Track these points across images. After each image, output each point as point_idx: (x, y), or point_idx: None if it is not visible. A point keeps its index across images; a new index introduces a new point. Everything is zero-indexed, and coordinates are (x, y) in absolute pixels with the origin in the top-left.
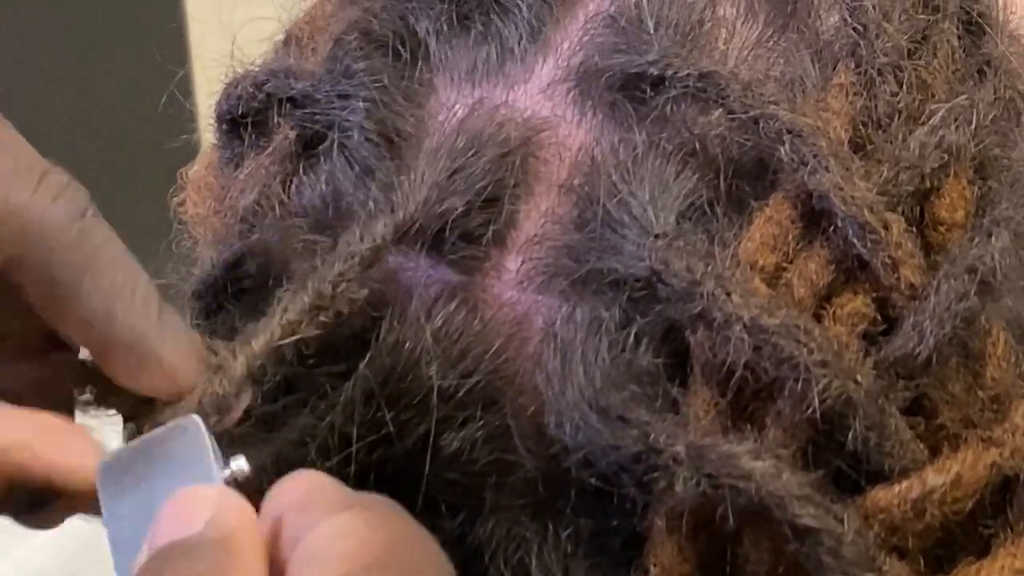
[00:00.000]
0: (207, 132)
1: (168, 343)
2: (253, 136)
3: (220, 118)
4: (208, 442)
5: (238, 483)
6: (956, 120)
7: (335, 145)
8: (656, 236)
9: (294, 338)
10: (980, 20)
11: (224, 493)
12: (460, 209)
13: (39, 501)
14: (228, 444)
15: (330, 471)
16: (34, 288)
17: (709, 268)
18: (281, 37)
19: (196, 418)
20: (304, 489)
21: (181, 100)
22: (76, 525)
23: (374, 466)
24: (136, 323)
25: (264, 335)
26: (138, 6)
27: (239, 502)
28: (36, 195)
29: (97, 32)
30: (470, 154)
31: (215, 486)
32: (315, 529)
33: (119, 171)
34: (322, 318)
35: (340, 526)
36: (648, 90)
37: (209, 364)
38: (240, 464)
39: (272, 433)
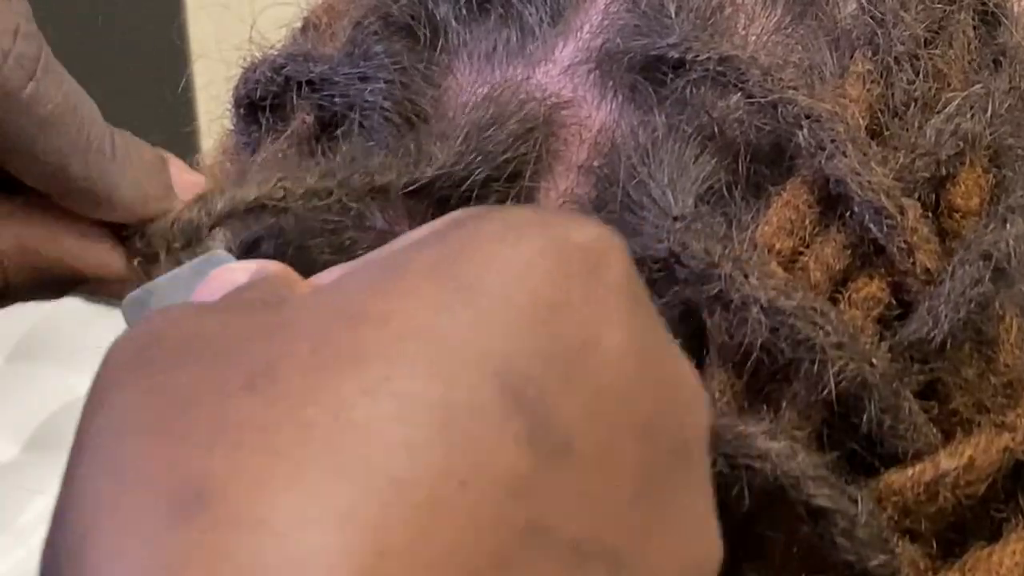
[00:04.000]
0: (207, 130)
1: (127, 179)
2: (271, 120)
3: (238, 102)
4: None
5: None
6: (972, 109)
7: (354, 126)
8: (675, 218)
9: (281, 205)
10: (996, 11)
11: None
12: (481, 181)
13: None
14: None
15: None
16: None
17: (727, 251)
18: (298, 24)
19: (226, 253)
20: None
21: (181, 98)
22: None
23: None
24: (91, 171)
25: (257, 184)
26: (138, 4)
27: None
28: None
29: (97, 31)
30: (494, 126)
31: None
32: None
33: None
34: (314, 202)
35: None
36: (668, 73)
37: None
38: None
39: None
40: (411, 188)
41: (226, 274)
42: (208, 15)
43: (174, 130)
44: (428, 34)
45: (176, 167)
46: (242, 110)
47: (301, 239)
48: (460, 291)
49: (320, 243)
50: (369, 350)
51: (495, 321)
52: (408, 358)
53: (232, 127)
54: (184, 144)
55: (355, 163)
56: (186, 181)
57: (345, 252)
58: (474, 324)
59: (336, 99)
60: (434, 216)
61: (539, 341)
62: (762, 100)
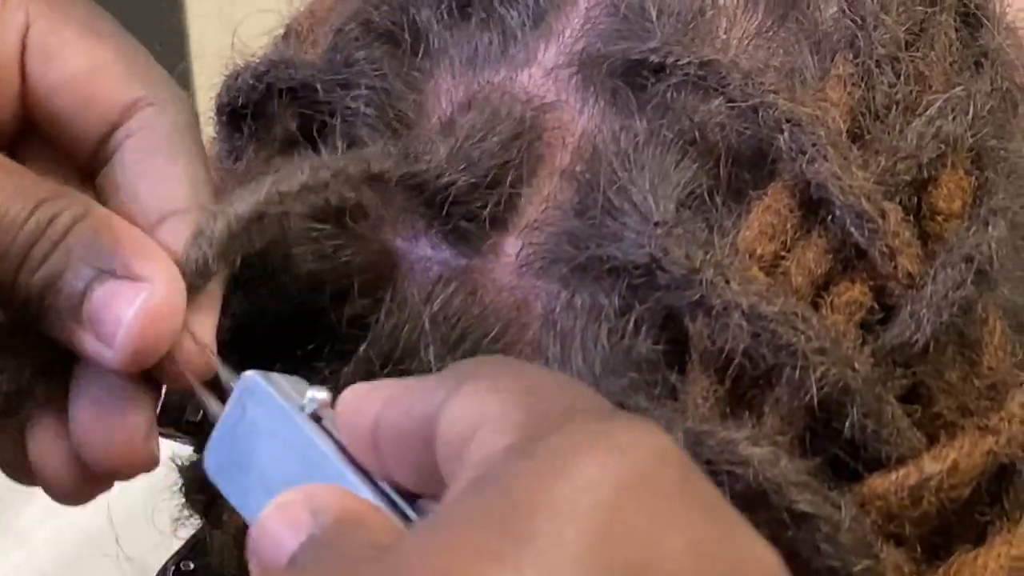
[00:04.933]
0: (207, 128)
1: None
2: (253, 128)
3: (220, 110)
4: (276, 396)
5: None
6: (953, 111)
7: (336, 133)
8: (656, 224)
9: (279, 209)
10: (977, 12)
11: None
12: (466, 187)
13: None
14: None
15: None
16: None
17: (708, 256)
18: (281, 31)
19: (251, 375)
20: (380, 396)
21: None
22: (76, 526)
23: None
24: None
25: (249, 199)
26: (138, 3)
27: (326, 488)
28: None
29: None
30: (484, 132)
31: (290, 492)
32: (443, 418)
33: None
34: (311, 198)
35: (467, 402)
36: (649, 77)
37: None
38: (315, 396)
39: None
40: (406, 180)
41: (283, 529)
42: (208, 16)
43: None
44: (409, 39)
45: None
46: (224, 118)
47: (287, 247)
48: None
49: (304, 251)
50: None
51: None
52: None
53: (215, 135)
54: None
55: (349, 153)
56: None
57: (329, 260)
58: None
59: (318, 106)
60: (415, 221)
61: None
62: (743, 104)
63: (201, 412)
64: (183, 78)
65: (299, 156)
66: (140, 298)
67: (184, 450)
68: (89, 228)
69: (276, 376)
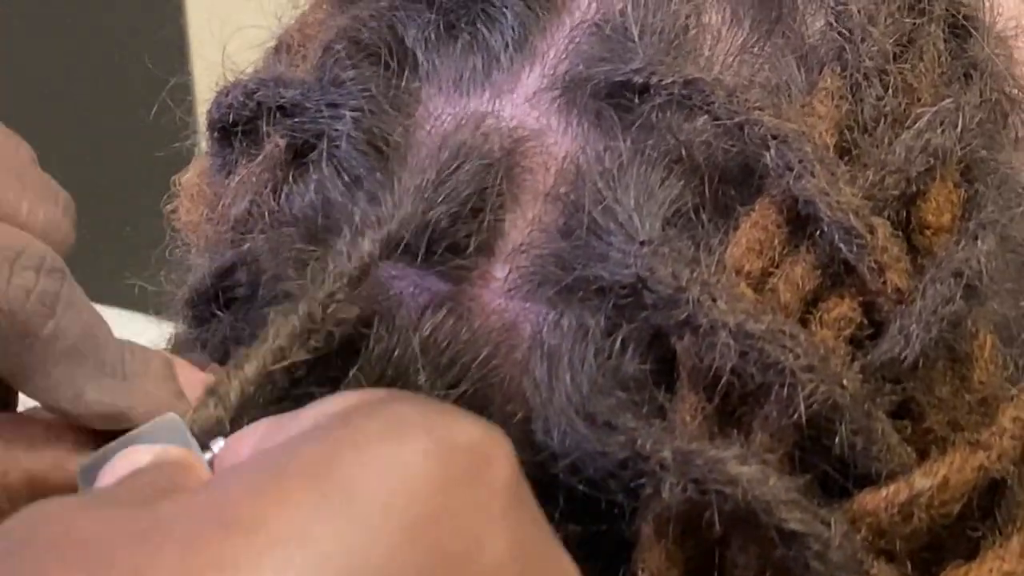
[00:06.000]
0: (206, 134)
1: (138, 393)
2: (244, 144)
3: (211, 126)
4: (189, 434)
5: None
6: (942, 124)
7: (324, 155)
8: (642, 243)
9: (285, 363)
10: (966, 23)
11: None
12: (445, 220)
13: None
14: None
15: None
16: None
17: (694, 274)
18: (273, 44)
19: (173, 415)
20: (256, 434)
21: (181, 105)
22: None
23: None
24: (104, 394)
25: (256, 360)
26: (138, 9)
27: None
28: (10, 287)
29: (97, 35)
30: (453, 166)
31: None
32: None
33: (117, 175)
34: (312, 342)
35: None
36: (633, 98)
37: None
38: (219, 444)
39: None
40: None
41: (131, 455)
42: (210, 28)
43: (174, 134)
44: (397, 60)
45: (182, 368)
46: (216, 133)
47: (275, 267)
48: (336, 497)
49: (292, 276)
50: (238, 559)
51: (371, 529)
52: (276, 568)
53: (207, 150)
54: (183, 151)
55: (330, 268)
56: (193, 379)
57: (314, 280)
58: (348, 532)
59: (306, 126)
60: (402, 254)
61: (417, 553)
62: (728, 122)
63: None
64: (184, 86)
65: (287, 179)
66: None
67: None
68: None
69: (194, 424)
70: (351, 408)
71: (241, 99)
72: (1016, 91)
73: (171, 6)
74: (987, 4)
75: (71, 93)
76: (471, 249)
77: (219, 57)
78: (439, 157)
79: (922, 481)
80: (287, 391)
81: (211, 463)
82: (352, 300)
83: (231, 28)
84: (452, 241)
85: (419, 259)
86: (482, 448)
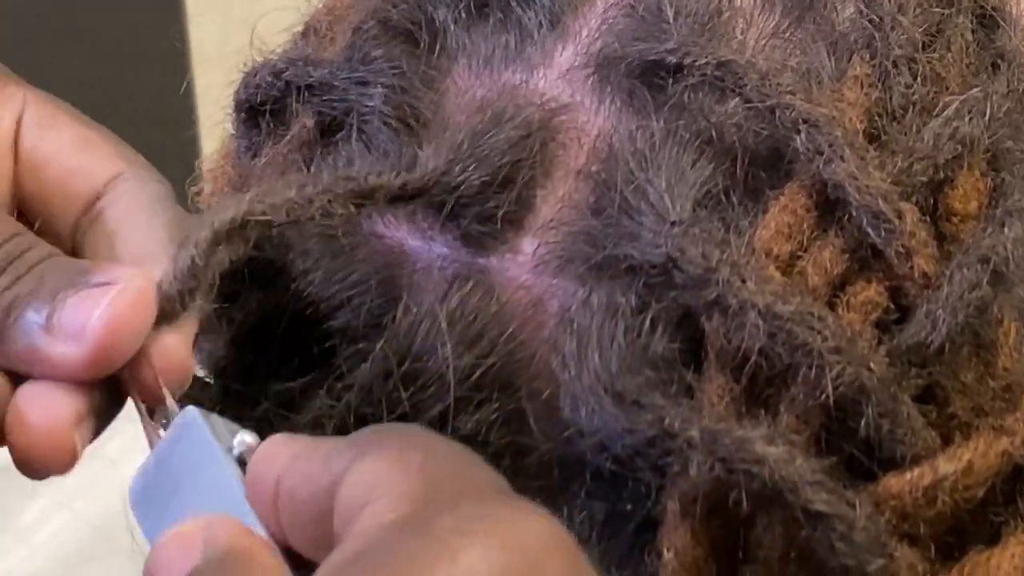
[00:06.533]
0: (207, 136)
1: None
2: (271, 124)
3: (238, 107)
4: (209, 435)
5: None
6: (970, 112)
7: (353, 130)
8: (672, 223)
9: (261, 217)
10: (994, 14)
11: (206, 521)
12: (477, 186)
13: None
14: (245, 426)
15: None
16: None
17: (724, 255)
18: (300, 28)
19: (193, 411)
20: (289, 452)
21: (182, 103)
22: (74, 526)
23: None
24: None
25: (233, 208)
26: (138, 6)
27: (224, 520)
28: None
29: (99, 36)
30: (490, 132)
31: (191, 520)
32: (343, 486)
33: None
34: (296, 211)
35: (367, 472)
36: (667, 78)
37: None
38: (244, 439)
39: (290, 414)
40: (401, 193)
41: (179, 545)
42: (208, 19)
43: (175, 134)
44: (427, 38)
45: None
46: (243, 114)
47: (301, 243)
48: None
49: (319, 249)
50: None
51: None
52: None
53: (233, 131)
54: (185, 148)
55: (340, 170)
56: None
57: (342, 256)
58: None
59: (335, 104)
60: (429, 221)
61: None
62: (760, 105)
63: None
64: (184, 83)
65: (315, 158)
66: (107, 297)
67: None
68: (61, 259)
69: (215, 416)
70: (412, 496)
71: (269, 79)
72: None
73: (170, 4)
74: None
75: (70, 92)
76: (501, 221)
77: (218, 52)
78: (476, 120)
79: (946, 465)
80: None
81: (239, 460)
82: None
83: (230, 26)
84: (481, 210)
85: (447, 227)
86: (545, 546)
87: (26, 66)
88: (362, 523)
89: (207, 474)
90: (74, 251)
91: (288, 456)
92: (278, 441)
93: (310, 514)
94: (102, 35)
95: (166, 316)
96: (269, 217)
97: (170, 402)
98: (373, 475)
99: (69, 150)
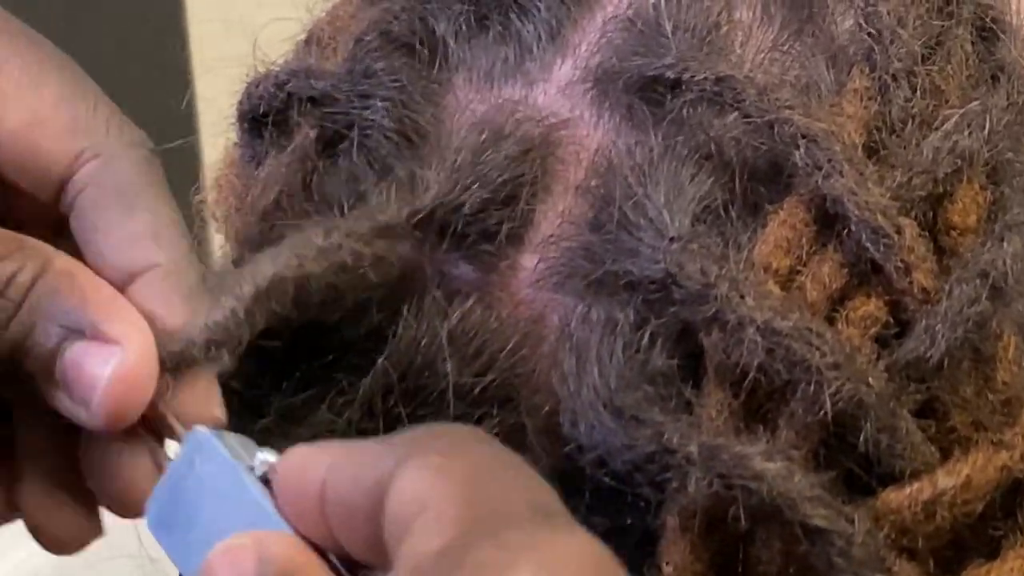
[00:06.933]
0: (209, 142)
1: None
2: (274, 135)
3: (241, 117)
4: (226, 454)
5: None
6: (969, 126)
7: (355, 144)
8: (671, 239)
9: (298, 272)
10: (994, 26)
11: (256, 537)
12: (478, 203)
13: None
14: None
15: None
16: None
17: (723, 271)
18: (303, 37)
19: (203, 431)
20: (325, 460)
21: (183, 111)
22: None
23: None
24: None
25: (272, 263)
26: (138, 6)
27: (277, 536)
28: None
29: (100, 43)
30: (490, 150)
31: (239, 536)
32: (391, 493)
33: None
34: (329, 258)
35: (414, 480)
36: (665, 93)
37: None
38: (266, 458)
39: (291, 428)
40: (413, 219)
41: (227, 572)
42: (210, 27)
43: (176, 142)
44: (428, 51)
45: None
46: (246, 124)
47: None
48: None
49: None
50: None
51: None
52: None
53: (237, 141)
54: (185, 156)
55: (356, 212)
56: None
57: (347, 272)
58: None
59: (337, 117)
60: (432, 239)
61: None
62: (758, 120)
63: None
64: (184, 84)
65: (316, 170)
66: (113, 361)
67: None
68: (51, 285)
69: (228, 435)
70: (456, 517)
71: (272, 90)
72: None
73: (170, 4)
74: (1015, 7)
75: None
76: (502, 237)
77: (219, 53)
78: (476, 139)
79: (945, 480)
80: (315, 375)
81: (264, 479)
82: (377, 256)
83: (231, 27)
84: (483, 227)
85: (450, 244)
86: (585, 570)
87: None
88: (410, 547)
89: (230, 494)
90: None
91: (325, 463)
92: (305, 453)
93: (364, 516)
94: (104, 44)
95: (189, 363)
96: (305, 272)
97: (175, 424)
98: (420, 485)
99: (19, 134)
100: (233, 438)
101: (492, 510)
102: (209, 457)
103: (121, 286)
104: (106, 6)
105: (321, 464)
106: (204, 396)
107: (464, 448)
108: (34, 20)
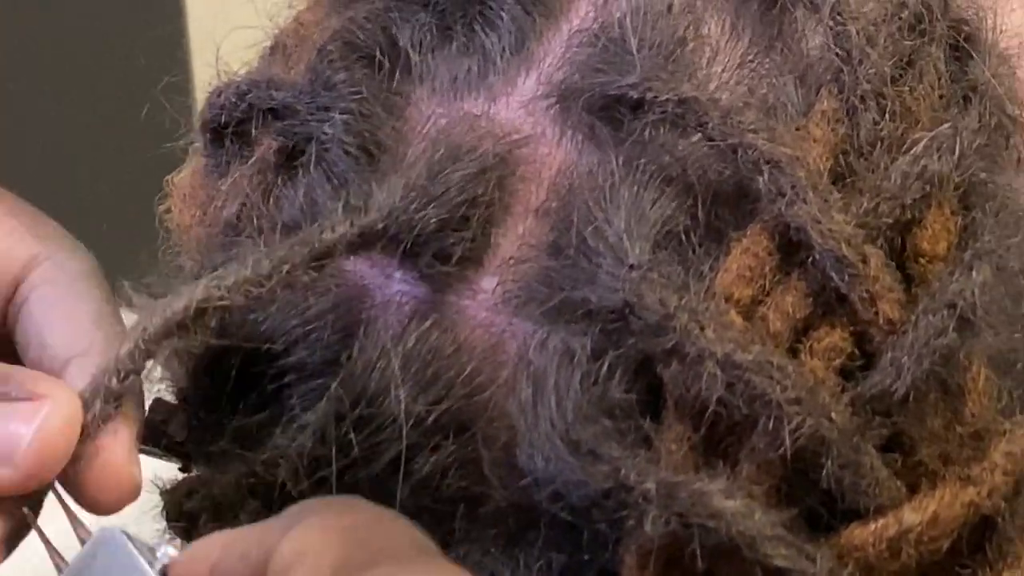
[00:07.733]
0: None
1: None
2: (236, 146)
3: (204, 126)
4: (134, 552)
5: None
6: (939, 149)
7: (313, 158)
8: (630, 267)
9: (219, 303)
10: (967, 44)
11: None
12: (435, 223)
13: None
14: (204, 461)
15: (302, 494)
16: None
17: (683, 301)
18: (269, 44)
19: (113, 530)
20: (219, 543)
21: (181, 102)
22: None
23: (346, 490)
24: None
25: (188, 295)
26: (138, 6)
27: None
28: None
29: (97, 32)
30: (447, 168)
31: None
32: (274, 555)
33: (118, 172)
34: (253, 290)
35: (295, 540)
36: (627, 114)
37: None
38: (167, 551)
39: (246, 452)
40: (359, 241)
41: None
42: (208, 22)
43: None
44: (389, 62)
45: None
46: (208, 134)
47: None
48: None
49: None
50: None
51: None
52: None
53: (201, 150)
54: (186, 156)
55: (293, 238)
56: None
57: (298, 294)
58: None
59: (297, 129)
60: (388, 258)
61: None
62: (722, 143)
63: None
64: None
65: (277, 183)
66: (40, 415)
67: (167, 471)
68: None
69: (135, 535)
70: (333, 560)
71: (233, 100)
72: (1018, 112)
73: (170, 4)
74: (990, 22)
75: (70, 91)
76: (459, 257)
77: (220, 50)
78: (432, 156)
79: (911, 516)
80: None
81: (162, 572)
82: (318, 282)
83: (231, 27)
84: (439, 247)
85: (405, 263)
86: None
87: (24, 65)
88: None
89: None
90: (10, 338)
91: (219, 546)
92: (206, 539)
93: None
94: (101, 40)
95: (104, 417)
96: (227, 302)
97: (79, 526)
98: (301, 543)
99: None
100: (140, 540)
101: (377, 549)
102: (113, 552)
103: (55, 371)
104: (105, 5)
105: (215, 546)
106: (119, 461)
107: (347, 509)
108: (34, 20)
